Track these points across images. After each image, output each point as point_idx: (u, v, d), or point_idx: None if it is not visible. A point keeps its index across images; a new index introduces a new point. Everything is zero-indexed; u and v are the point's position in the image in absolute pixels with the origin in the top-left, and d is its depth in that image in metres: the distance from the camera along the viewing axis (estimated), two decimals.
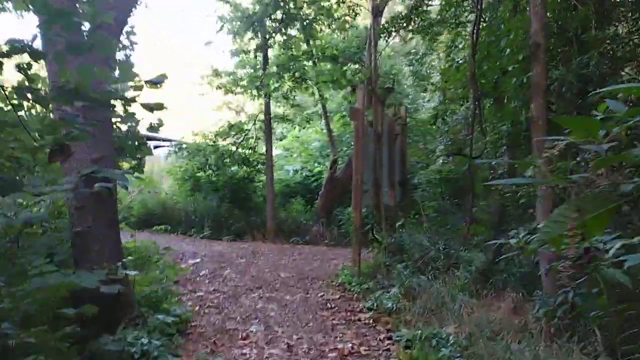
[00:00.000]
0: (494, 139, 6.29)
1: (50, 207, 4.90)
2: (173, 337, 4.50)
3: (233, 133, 14.03)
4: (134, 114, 5.56)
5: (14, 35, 2.42)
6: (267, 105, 13.23)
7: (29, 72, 2.58)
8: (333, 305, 6.21)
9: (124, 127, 5.40)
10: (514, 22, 6.16)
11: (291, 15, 12.11)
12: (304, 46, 11.29)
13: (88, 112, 4.36)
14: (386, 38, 12.81)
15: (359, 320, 5.56)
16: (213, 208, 13.44)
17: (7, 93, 2.57)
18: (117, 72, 3.18)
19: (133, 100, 2.92)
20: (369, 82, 8.64)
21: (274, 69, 9.52)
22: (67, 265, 4.73)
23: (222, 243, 11.78)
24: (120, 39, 5.46)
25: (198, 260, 9.10)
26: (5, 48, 2.42)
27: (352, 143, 15.26)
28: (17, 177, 3.64)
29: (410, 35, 19.05)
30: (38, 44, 3.22)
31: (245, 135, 14.19)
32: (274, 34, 12.80)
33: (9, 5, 3.91)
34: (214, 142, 14.09)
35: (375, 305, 5.89)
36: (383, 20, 10.99)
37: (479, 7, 7.65)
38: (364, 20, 13.95)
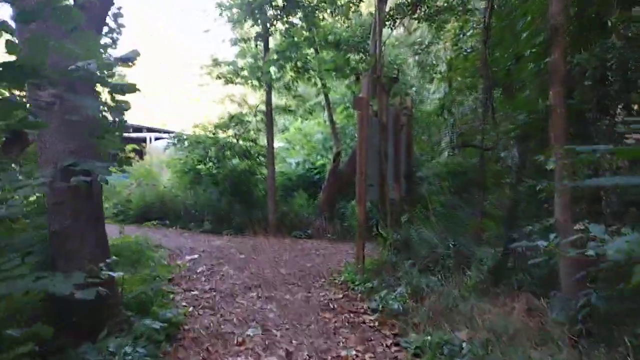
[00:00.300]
0: (508, 130, 5.89)
1: (23, 202, 4.53)
2: (161, 344, 4.13)
3: (233, 125, 13.64)
4: (125, 102, 5.22)
5: None
6: (269, 96, 12.83)
7: None
8: (335, 306, 5.83)
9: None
10: (531, 4, 5.74)
11: (293, 2, 11.67)
12: (306, 33, 10.83)
13: (65, 97, 3.99)
14: (391, 26, 12.40)
15: (364, 322, 5.17)
16: (213, 202, 13.09)
17: None
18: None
19: (104, 80, 2.53)
20: (374, 70, 8.22)
21: (275, 56, 9.10)
22: (46, 266, 4.38)
23: (222, 238, 11.44)
24: (107, 21, 5.10)
25: (196, 256, 8.75)
26: None
27: (356, 135, 14.94)
28: None
29: (415, 24, 18.65)
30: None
31: (246, 127, 13.80)
32: (275, 22, 12.38)
33: None
34: (214, 134, 13.70)
35: (380, 306, 5.51)
36: (387, 8, 10.56)
37: None
38: (368, 8, 13.49)
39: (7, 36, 2.72)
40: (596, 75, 5.23)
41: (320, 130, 17.13)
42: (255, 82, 13.30)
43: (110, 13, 5.14)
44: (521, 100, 6.64)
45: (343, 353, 4.36)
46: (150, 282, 5.24)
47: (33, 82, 2.22)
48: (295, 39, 8.09)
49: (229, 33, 12.77)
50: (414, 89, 15.78)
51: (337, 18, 12.74)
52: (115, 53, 5.08)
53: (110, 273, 4.06)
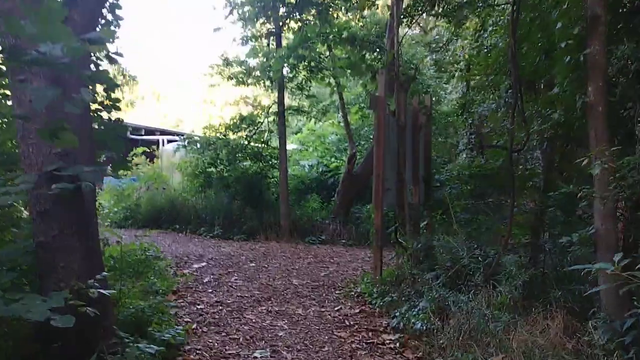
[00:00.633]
0: (542, 129, 5.37)
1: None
2: None
3: (245, 126, 13.22)
4: (118, 100, 4.81)
5: None
6: (281, 96, 12.40)
7: None
8: (352, 323, 5.36)
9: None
10: None
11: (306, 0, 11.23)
12: (319, 29, 10.38)
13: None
14: (408, 23, 11.90)
15: (383, 344, 4.69)
16: (224, 205, 12.68)
17: None
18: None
19: (72, 67, 2.10)
20: (391, 67, 7.73)
21: (286, 51, 8.65)
22: (34, 281, 3.99)
23: (232, 243, 11.02)
24: (103, 12, 4.71)
25: (203, 264, 8.34)
26: None
27: (372, 136, 14.44)
28: None
29: (432, 23, 18.12)
30: None
31: (258, 128, 13.38)
32: (287, 20, 11.96)
33: None
34: (225, 135, 13.31)
35: (401, 324, 5.03)
36: (405, 4, 10.08)
37: None
38: (384, 3, 12.98)
39: None
40: None
41: (334, 132, 16.69)
42: (268, 83, 12.90)
43: (107, 4, 4.76)
44: (551, 98, 6.12)
45: None
46: (149, 297, 4.81)
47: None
48: (309, 34, 7.60)
49: (240, 31, 12.27)
50: (430, 89, 15.27)
51: (351, 16, 12.29)
52: (112, 48, 4.69)
53: (102, 291, 3.62)
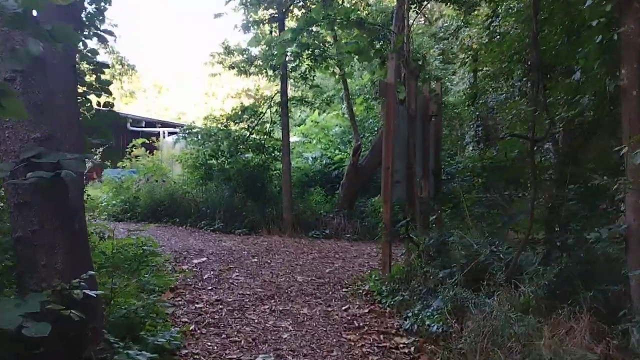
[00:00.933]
0: (574, 115, 4.96)
1: None
2: None
3: (246, 117, 12.82)
4: (109, 82, 4.44)
5: None
6: (284, 85, 11.99)
7: None
8: (361, 324, 5.00)
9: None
10: None
11: None
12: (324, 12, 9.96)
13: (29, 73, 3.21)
14: (416, 10, 11.48)
15: (396, 348, 4.32)
16: (225, 198, 12.30)
17: None
18: None
19: (25, 20, 1.72)
20: (401, 52, 7.33)
21: (289, 35, 8.24)
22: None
23: (233, 238, 10.65)
24: None
25: (203, 259, 7.98)
26: None
27: (376, 128, 14.06)
28: None
29: (437, 13, 17.67)
30: None
31: (260, 119, 12.98)
32: (291, 7, 11.54)
33: None
34: (226, 126, 12.91)
35: (415, 326, 4.67)
36: None
37: None
38: None
39: None
40: None
41: (338, 123, 16.28)
42: (270, 72, 12.49)
43: None
44: (572, 84, 5.72)
45: None
46: (144, 297, 4.45)
47: None
48: (314, 15, 7.20)
49: (242, 18, 11.84)
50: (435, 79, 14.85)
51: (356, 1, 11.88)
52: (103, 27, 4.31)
53: (88, 291, 3.26)
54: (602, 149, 6.81)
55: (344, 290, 6.40)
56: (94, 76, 4.41)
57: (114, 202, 13.49)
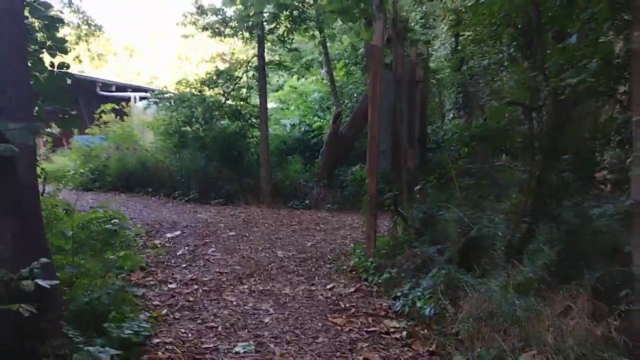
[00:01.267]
0: (581, 80, 4.61)
1: None
2: None
3: (222, 82, 12.20)
4: (64, 40, 3.91)
5: None
6: (261, 48, 11.39)
7: None
8: (348, 305, 4.68)
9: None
10: None
11: None
12: None
13: None
14: None
15: (387, 333, 4.00)
16: (200, 167, 11.80)
17: None
18: None
19: None
20: (387, 12, 6.85)
21: None
22: None
23: (209, 209, 10.23)
24: None
25: (177, 233, 7.56)
26: None
27: (356, 95, 13.60)
28: None
29: None
30: None
31: (236, 84, 12.38)
32: None
33: None
34: (200, 91, 12.28)
35: (406, 308, 4.37)
36: None
37: None
38: None
39: None
40: None
41: (316, 89, 15.72)
42: (247, 34, 11.83)
43: None
44: (569, 49, 5.36)
45: None
46: (109, 281, 4.04)
47: None
48: None
49: None
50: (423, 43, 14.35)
51: None
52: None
53: (40, 282, 2.83)
54: (595, 117, 6.53)
55: (327, 266, 6.08)
56: (47, 33, 3.87)
57: (82, 170, 12.86)
